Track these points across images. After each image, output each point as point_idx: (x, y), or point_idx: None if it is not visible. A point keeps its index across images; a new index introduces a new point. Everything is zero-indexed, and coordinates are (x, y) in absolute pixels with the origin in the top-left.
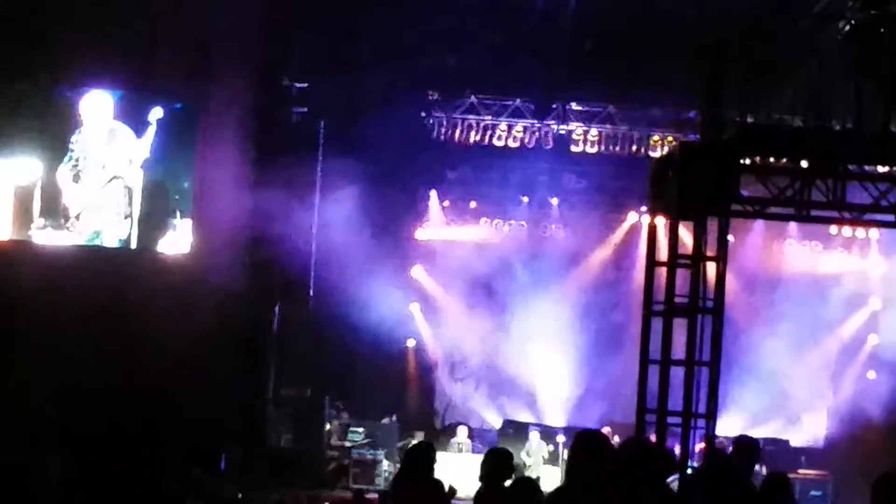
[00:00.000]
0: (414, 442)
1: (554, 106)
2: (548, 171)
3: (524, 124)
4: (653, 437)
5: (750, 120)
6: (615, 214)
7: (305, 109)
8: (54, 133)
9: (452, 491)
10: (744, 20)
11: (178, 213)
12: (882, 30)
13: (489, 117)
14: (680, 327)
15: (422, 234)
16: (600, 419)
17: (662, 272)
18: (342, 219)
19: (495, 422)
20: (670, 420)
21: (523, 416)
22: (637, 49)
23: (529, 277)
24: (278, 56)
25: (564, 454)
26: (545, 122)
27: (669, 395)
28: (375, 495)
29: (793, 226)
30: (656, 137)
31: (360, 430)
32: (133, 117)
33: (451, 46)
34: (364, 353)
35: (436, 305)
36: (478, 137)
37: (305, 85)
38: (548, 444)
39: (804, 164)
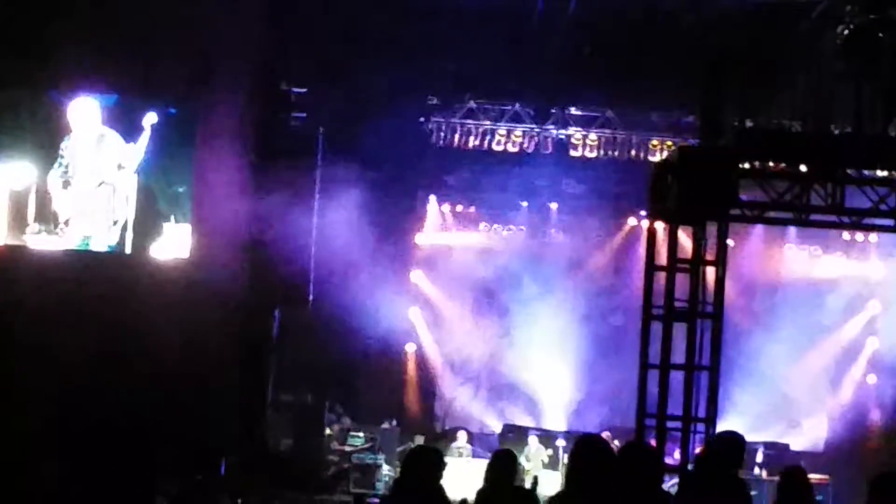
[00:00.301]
0: (414, 445)
1: (553, 111)
2: (547, 175)
3: (523, 129)
4: (653, 442)
5: (749, 124)
6: (614, 219)
7: (304, 115)
8: (47, 138)
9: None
10: (743, 25)
11: (172, 218)
12: (881, 34)
13: (488, 122)
14: (680, 331)
15: (421, 238)
16: (600, 423)
17: (662, 276)
18: (341, 223)
19: (495, 426)
20: (670, 424)
21: (523, 421)
22: (636, 54)
23: (529, 282)
24: (277, 61)
25: (564, 458)
26: (544, 126)
27: (669, 400)
28: (376, 500)
29: (792, 230)
30: (655, 142)
31: (360, 434)
32: (127, 122)
33: (450, 51)
34: (364, 358)
35: (435, 310)
36: (477, 142)
37: (304, 90)
38: (547, 449)
39: (803, 168)
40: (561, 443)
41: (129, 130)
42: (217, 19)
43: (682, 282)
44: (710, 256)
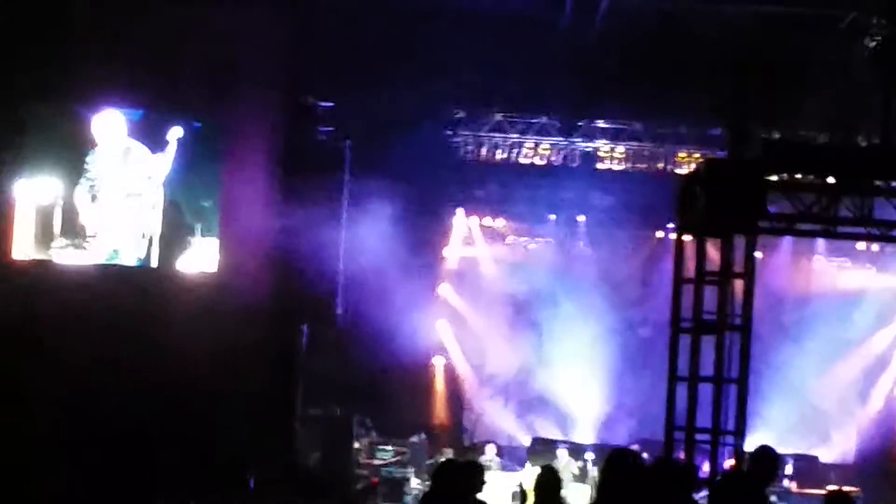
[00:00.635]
0: (443, 458)
1: (580, 123)
2: (574, 188)
3: (551, 142)
4: (682, 455)
5: (776, 136)
6: (642, 231)
7: (331, 128)
8: (73, 152)
9: None
10: (770, 38)
11: (198, 232)
12: None
13: (515, 135)
14: (708, 344)
15: (449, 252)
16: (629, 436)
17: (690, 289)
18: (369, 237)
19: (524, 439)
20: (699, 437)
21: (552, 434)
22: (663, 66)
23: (557, 295)
24: (304, 75)
25: (593, 472)
26: (572, 139)
27: (698, 412)
28: None
29: (820, 242)
30: (683, 154)
31: (389, 448)
32: (153, 137)
33: (477, 64)
34: (392, 371)
35: (464, 323)
36: (504, 155)
37: (331, 104)
38: (577, 461)
39: (831, 180)
40: (590, 455)
41: (155, 145)
42: (243, 33)
43: (710, 294)
44: (738, 269)
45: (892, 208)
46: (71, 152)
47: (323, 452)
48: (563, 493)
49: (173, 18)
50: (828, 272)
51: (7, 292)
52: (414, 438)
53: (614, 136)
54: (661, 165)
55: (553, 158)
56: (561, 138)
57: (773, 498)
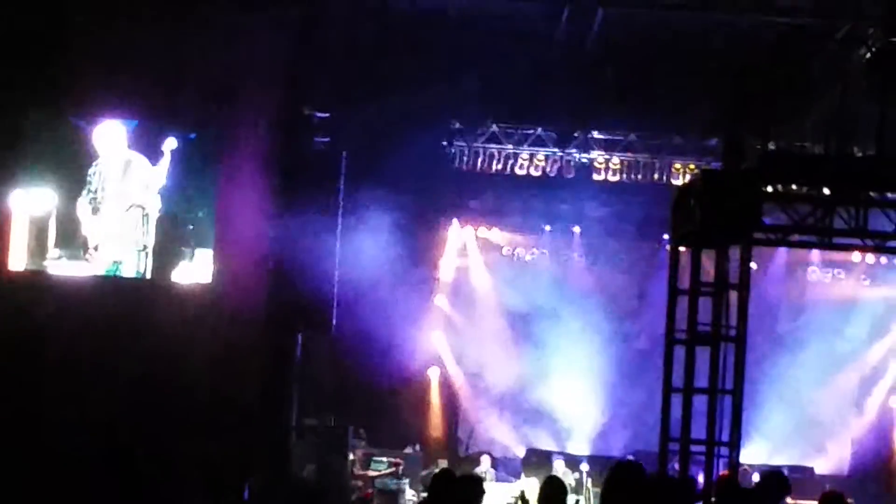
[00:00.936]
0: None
1: (576, 134)
2: (570, 199)
3: (546, 153)
4: (676, 466)
5: (771, 147)
6: (637, 242)
7: (327, 139)
8: (69, 163)
9: None
10: (765, 48)
11: (193, 243)
12: None
13: (511, 146)
14: (702, 355)
15: (444, 262)
16: (624, 447)
17: (685, 300)
18: (364, 247)
19: (518, 450)
20: (694, 448)
21: (546, 445)
22: (658, 77)
23: (552, 306)
24: (300, 85)
25: (588, 483)
26: (567, 150)
27: (693, 424)
28: None
29: (815, 253)
30: (678, 165)
31: (384, 459)
32: (148, 147)
33: (472, 75)
34: (387, 382)
35: (458, 334)
36: (500, 166)
37: (327, 114)
38: (573, 473)
39: (826, 191)
40: (584, 467)
41: (151, 155)
42: (238, 44)
43: (705, 305)
44: (733, 280)
45: (887, 219)
46: (66, 163)
47: (318, 463)
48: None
49: (170, 29)
50: (822, 283)
51: (2, 304)
52: (408, 450)
53: (610, 147)
54: (656, 176)
55: (548, 169)
56: (556, 149)
57: None
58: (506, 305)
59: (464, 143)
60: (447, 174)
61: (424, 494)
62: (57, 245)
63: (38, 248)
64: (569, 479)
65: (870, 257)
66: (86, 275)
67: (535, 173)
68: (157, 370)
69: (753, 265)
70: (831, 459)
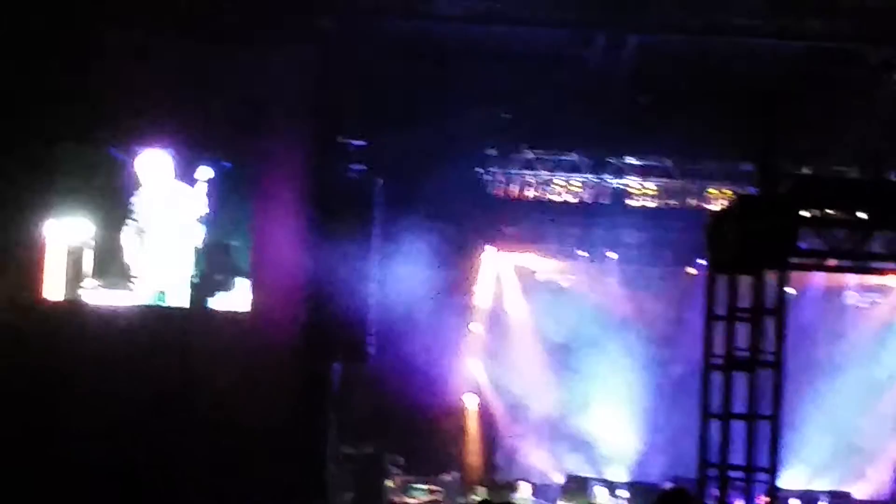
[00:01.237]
0: (477, 497)
1: (611, 160)
2: (605, 225)
3: (581, 179)
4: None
5: (807, 172)
6: (674, 268)
7: (363, 166)
8: (104, 193)
9: None
10: (799, 72)
11: (230, 272)
12: None
13: (546, 172)
14: (740, 380)
15: (480, 289)
16: (662, 474)
17: (722, 326)
18: (400, 275)
19: (556, 477)
20: (732, 474)
21: (583, 471)
22: (693, 102)
23: (589, 332)
24: (334, 113)
25: None
26: (602, 176)
27: (731, 449)
28: None
29: (852, 277)
30: (713, 190)
31: (422, 486)
32: (184, 176)
33: (506, 101)
34: (424, 409)
35: (495, 361)
36: (535, 192)
37: (363, 142)
38: (615, 499)
39: (862, 215)
40: (623, 493)
41: (189, 184)
42: (272, 72)
43: (742, 330)
44: (769, 305)
45: None
46: (102, 192)
47: (356, 491)
48: None
49: (202, 58)
50: (860, 308)
51: (38, 332)
52: (447, 476)
53: (644, 173)
54: (691, 202)
55: (583, 195)
56: (591, 175)
57: None
58: (542, 331)
59: (498, 170)
60: (482, 201)
61: None
62: (94, 274)
63: (75, 277)
64: None
65: None
66: (127, 304)
67: (570, 199)
68: (193, 399)
69: (790, 290)
70: (871, 484)
